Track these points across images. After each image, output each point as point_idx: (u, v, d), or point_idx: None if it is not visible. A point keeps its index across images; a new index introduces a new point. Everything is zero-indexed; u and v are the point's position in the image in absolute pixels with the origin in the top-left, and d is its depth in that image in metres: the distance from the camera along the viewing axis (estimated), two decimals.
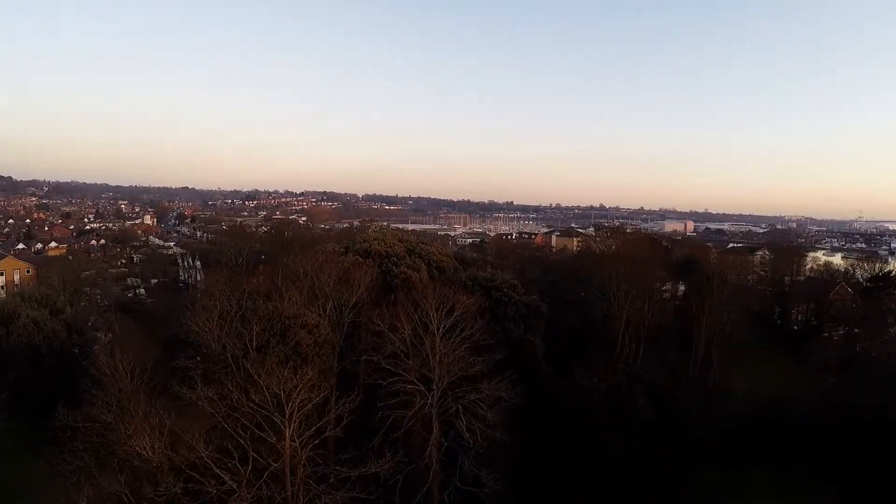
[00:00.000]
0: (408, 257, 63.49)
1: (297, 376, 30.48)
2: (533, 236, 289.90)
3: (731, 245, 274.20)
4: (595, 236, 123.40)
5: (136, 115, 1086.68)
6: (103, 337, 75.70)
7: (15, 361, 62.86)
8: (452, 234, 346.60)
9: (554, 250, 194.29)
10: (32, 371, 62.09)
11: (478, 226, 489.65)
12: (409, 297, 47.30)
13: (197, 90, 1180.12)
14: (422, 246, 69.32)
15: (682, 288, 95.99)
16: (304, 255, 57.61)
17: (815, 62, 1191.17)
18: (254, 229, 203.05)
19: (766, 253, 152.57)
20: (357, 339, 47.31)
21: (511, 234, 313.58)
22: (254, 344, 38.71)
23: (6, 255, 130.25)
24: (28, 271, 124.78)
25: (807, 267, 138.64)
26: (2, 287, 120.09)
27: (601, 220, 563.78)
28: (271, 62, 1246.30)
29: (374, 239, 67.96)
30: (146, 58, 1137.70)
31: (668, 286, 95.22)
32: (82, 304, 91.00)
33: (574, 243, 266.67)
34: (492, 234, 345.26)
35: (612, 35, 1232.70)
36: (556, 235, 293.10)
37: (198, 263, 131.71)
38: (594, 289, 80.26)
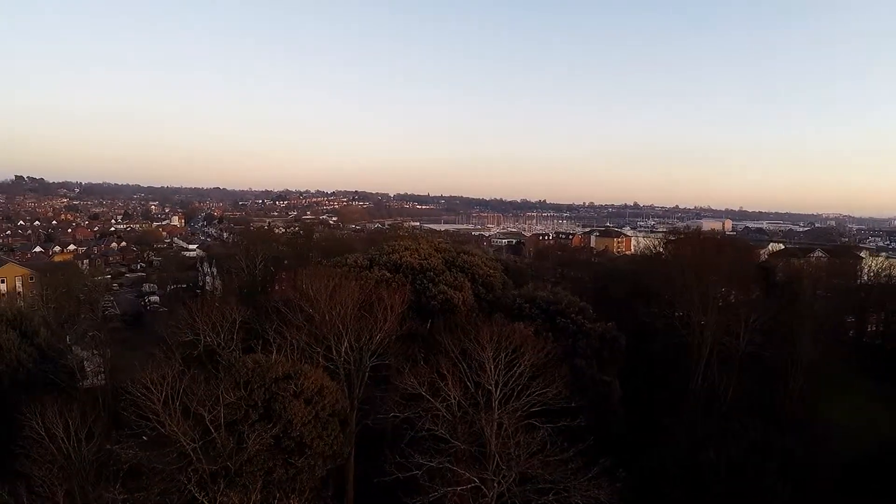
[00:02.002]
0: (447, 272, 50.74)
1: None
2: (570, 236, 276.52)
3: (771, 245, 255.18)
4: (662, 239, 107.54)
5: (168, 116, 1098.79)
6: (88, 363, 64.68)
7: None
8: (486, 234, 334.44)
9: (594, 252, 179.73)
10: None
11: (511, 225, 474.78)
12: (453, 332, 34.60)
13: (230, 90, 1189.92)
14: (463, 257, 56.27)
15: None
16: (317, 271, 44.67)
17: (852, 58, 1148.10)
18: (283, 229, 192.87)
19: (822, 254, 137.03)
20: (380, 396, 34.05)
21: (547, 235, 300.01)
22: (221, 422, 25.60)
23: (7, 262, 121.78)
24: (31, 278, 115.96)
25: (881, 272, 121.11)
26: (3, 295, 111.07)
27: (636, 220, 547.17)
28: (304, 62, 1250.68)
29: (406, 249, 55.02)
30: (180, 59, 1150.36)
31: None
32: (82, 315, 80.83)
33: (615, 244, 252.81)
34: (527, 233, 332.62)
35: (647, 31, 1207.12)
36: (596, 236, 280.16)
37: (214, 269, 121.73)
38: (662, 306, 67.14)
